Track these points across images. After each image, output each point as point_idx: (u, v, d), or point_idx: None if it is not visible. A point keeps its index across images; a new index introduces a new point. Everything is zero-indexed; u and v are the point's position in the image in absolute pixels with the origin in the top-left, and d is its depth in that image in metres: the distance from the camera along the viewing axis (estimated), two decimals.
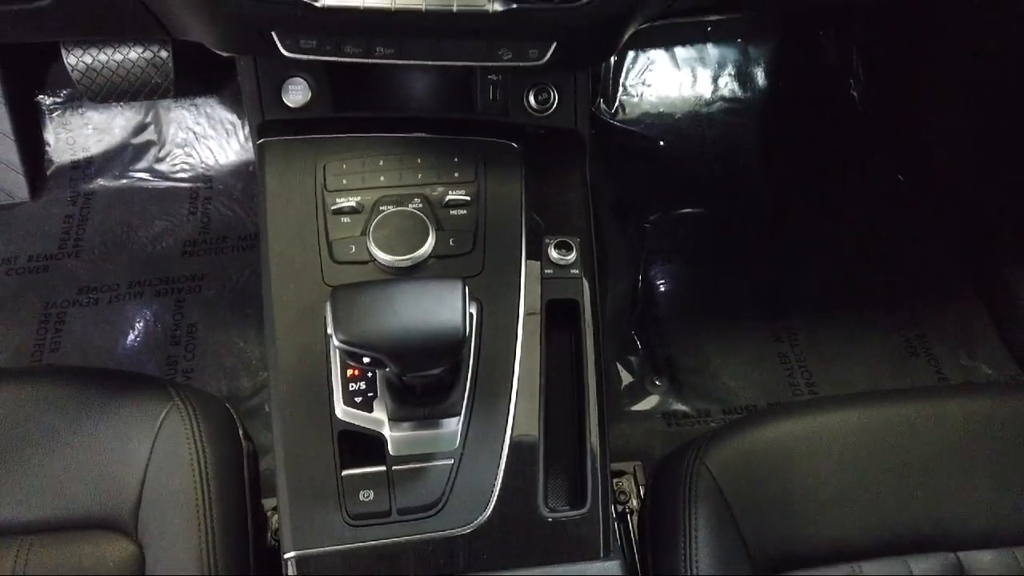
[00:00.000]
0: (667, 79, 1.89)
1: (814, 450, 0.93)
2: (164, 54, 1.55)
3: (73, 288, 1.60)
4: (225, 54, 1.05)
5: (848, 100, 1.88)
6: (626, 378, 1.54)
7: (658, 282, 1.66)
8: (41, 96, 1.77)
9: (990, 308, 1.61)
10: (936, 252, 1.70)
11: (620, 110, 1.88)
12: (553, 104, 1.08)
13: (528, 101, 1.08)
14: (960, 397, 0.98)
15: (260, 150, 1.03)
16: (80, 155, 1.75)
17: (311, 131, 1.04)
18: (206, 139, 1.76)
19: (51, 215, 1.69)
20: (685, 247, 1.70)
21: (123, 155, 1.75)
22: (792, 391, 1.52)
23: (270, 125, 1.06)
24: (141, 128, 1.76)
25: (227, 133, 1.76)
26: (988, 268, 1.63)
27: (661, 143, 1.86)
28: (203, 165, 1.76)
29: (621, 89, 1.87)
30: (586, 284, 0.97)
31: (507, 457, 0.85)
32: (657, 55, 1.89)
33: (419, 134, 1.05)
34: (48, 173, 1.74)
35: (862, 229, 1.73)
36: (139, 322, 1.56)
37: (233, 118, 1.76)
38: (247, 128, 1.75)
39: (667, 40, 1.88)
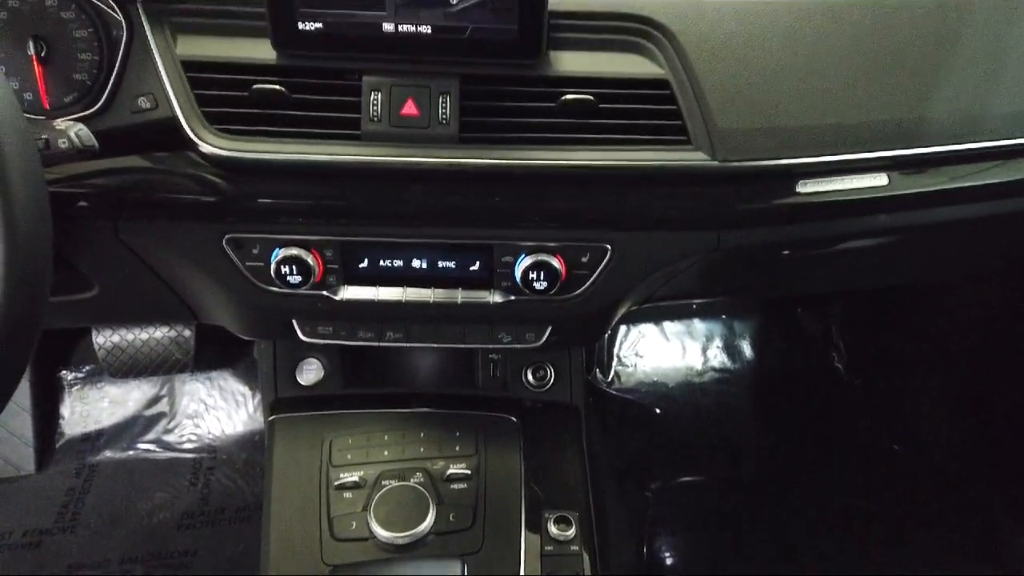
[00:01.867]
0: (659, 351, 2.01)
1: None
2: (187, 333, 1.66)
3: (62, 565, 1.55)
4: (244, 337, 1.14)
5: (833, 370, 1.98)
6: None
7: (663, 554, 1.62)
8: (64, 371, 1.86)
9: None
10: (938, 514, 1.69)
11: (616, 379, 1.96)
12: (550, 380, 1.16)
13: (526, 378, 1.16)
14: None
15: (271, 427, 1.08)
16: (92, 427, 1.80)
17: (321, 407, 1.10)
18: (216, 410, 1.82)
19: (53, 488, 1.70)
20: (687, 516, 1.68)
21: (133, 427, 1.80)
22: None
23: (282, 402, 1.12)
24: (155, 400, 1.83)
25: (237, 404, 1.83)
26: (990, 530, 1.61)
27: (657, 410, 1.92)
28: (210, 435, 1.80)
29: (616, 360, 1.98)
30: (586, 559, 0.96)
31: None
32: (648, 328, 2.02)
33: (423, 409, 1.11)
34: (57, 446, 1.77)
35: (860, 491, 1.73)
36: None
37: (245, 389, 1.84)
38: (257, 399, 1.82)
39: (656, 316, 2.02)
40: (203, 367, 1.82)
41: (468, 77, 0.86)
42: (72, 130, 0.77)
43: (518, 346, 1.03)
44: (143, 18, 0.86)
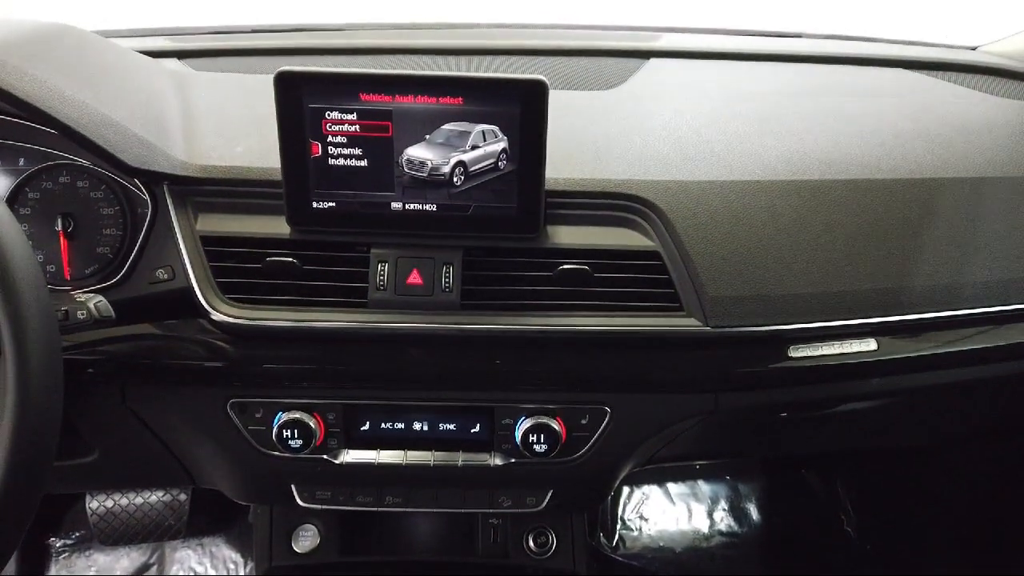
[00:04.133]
0: (663, 513, 1.95)
1: None
2: (183, 497, 1.63)
3: None
4: (242, 503, 1.13)
5: (843, 533, 1.91)
6: None
7: None
8: (52, 538, 1.80)
9: None
10: None
11: (621, 544, 1.90)
12: (552, 546, 1.13)
13: (528, 544, 1.13)
14: None
15: None
16: None
17: None
18: None
19: None
20: None
21: None
22: None
23: (277, 572, 1.09)
24: (144, 569, 1.76)
25: (227, 571, 1.76)
26: None
27: None
28: None
29: (620, 523, 1.92)
30: None
31: None
32: (651, 490, 1.98)
33: None
34: None
35: None
36: None
37: (237, 557, 1.77)
38: (250, 567, 1.75)
39: (659, 477, 1.98)
40: (195, 533, 1.77)
41: (470, 249, 0.91)
42: (91, 302, 0.81)
43: (519, 511, 1.02)
44: (168, 198, 0.92)
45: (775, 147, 1.00)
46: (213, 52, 1.21)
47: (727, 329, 0.90)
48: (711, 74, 1.21)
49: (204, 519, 1.74)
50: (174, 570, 1.76)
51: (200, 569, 1.77)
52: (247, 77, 1.11)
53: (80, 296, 0.82)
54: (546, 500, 1.02)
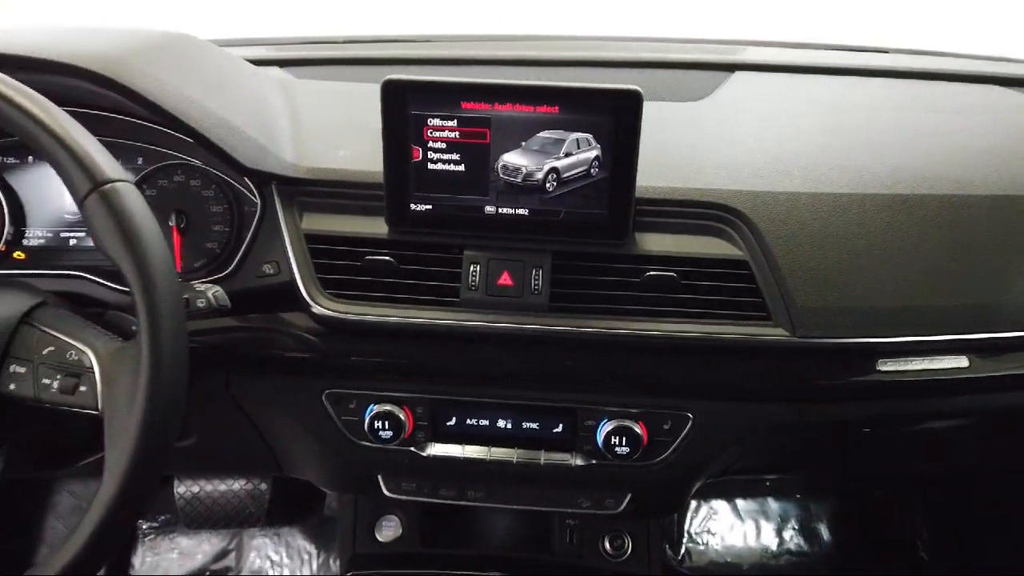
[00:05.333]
0: (731, 529, 1.94)
1: None
2: (263, 487, 1.70)
3: None
4: (330, 492, 1.18)
5: (917, 560, 1.86)
6: None
7: None
8: (139, 520, 1.90)
9: None
10: None
11: (687, 557, 1.89)
12: (627, 551, 1.14)
13: (603, 546, 1.15)
14: None
15: None
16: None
17: (398, 565, 1.11)
18: (280, 567, 1.82)
19: None
20: None
21: None
22: None
23: (359, 558, 1.13)
24: (223, 555, 1.84)
25: (302, 562, 1.82)
26: None
27: None
28: None
29: (687, 536, 1.91)
30: None
31: None
32: (720, 505, 1.96)
33: (496, 573, 1.11)
34: None
35: None
36: None
37: (311, 548, 1.84)
38: (322, 558, 1.81)
39: (729, 493, 1.97)
40: (272, 522, 1.84)
41: (559, 253, 0.94)
42: (210, 292, 0.87)
43: (597, 512, 1.04)
44: (276, 198, 0.98)
45: (866, 161, 1.00)
46: (313, 61, 1.28)
47: (815, 340, 0.90)
48: (797, 87, 1.22)
49: (282, 510, 1.81)
50: (251, 557, 1.83)
51: (275, 557, 1.84)
52: (348, 85, 1.16)
53: (199, 286, 0.87)
54: (624, 503, 1.03)
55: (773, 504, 1.97)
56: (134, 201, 0.71)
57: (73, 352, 0.73)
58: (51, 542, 1.76)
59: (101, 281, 0.98)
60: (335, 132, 1.05)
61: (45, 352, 0.74)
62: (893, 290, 0.92)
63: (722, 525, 1.94)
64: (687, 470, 1.02)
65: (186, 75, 0.96)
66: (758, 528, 1.94)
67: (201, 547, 1.85)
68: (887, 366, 0.93)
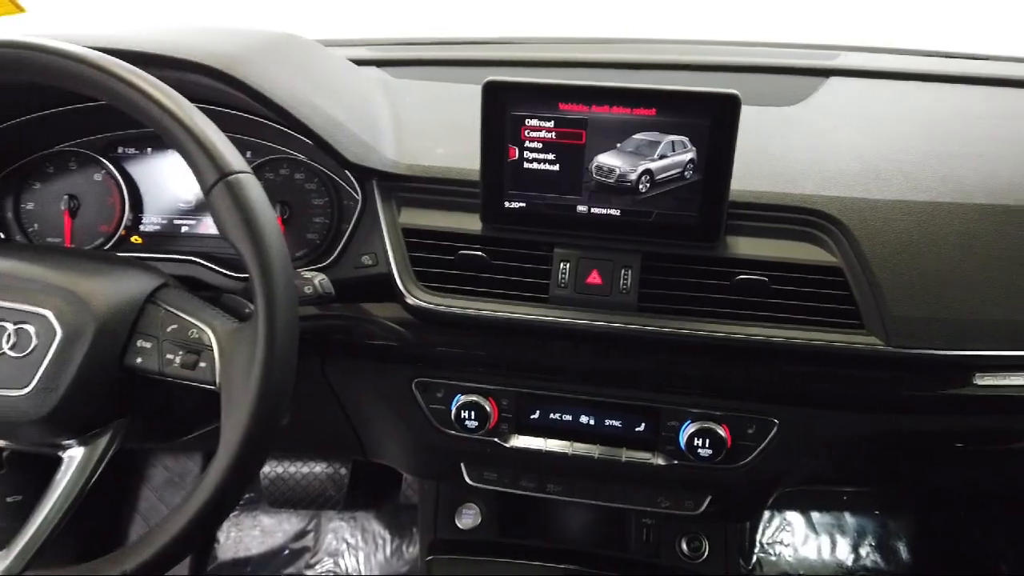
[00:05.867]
0: (805, 542, 1.90)
1: None
2: (343, 471, 1.76)
3: None
4: (412, 477, 1.22)
5: None
6: None
7: None
8: None
9: None
10: None
11: (758, 567, 1.86)
12: (704, 553, 1.14)
13: (680, 547, 1.15)
14: None
15: (429, 565, 1.13)
16: (242, 554, 1.89)
17: (477, 552, 1.14)
18: (356, 550, 1.88)
19: None
20: None
21: (278, 558, 1.88)
22: None
23: (439, 543, 1.17)
24: (302, 534, 1.92)
25: (376, 546, 1.88)
26: None
27: None
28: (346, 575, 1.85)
29: (758, 546, 1.89)
30: None
31: None
32: (793, 517, 1.93)
33: (572, 566, 1.12)
34: (209, 568, 1.87)
35: None
36: None
37: (386, 533, 1.89)
38: (395, 544, 1.87)
39: (804, 504, 1.94)
40: (350, 506, 1.90)
41: (649, 254, 0.95)
42: (316, 279, 0.91)
43: (676, 512, 1.04)
44: (376, 193, 1.02)
45: (966, 170, 0.98)
46: (411, 62, 1.32)
47: (909, 350, 0.89)
48: (894, 94, 1.19)
49: (359, 495, 1.87)
50: (328, 538, 1.90)
51: (351, 540, 1.90)
52: (445, 86, 1.20)
53: (306, 273, 0.92)
54: (704, 505, 1.04)
55: (849, 518, 1.93)
56: (256, 191, 0.76)
57: (194, 331, 0.79)
58: (144, 511, 1.87)
59: (211, 267, 1.04)
60: (433, 130, 1.09)
61: (169, 330, 0.79)
62: (993, 302, 0.90)
63: (796, 537, 1.91)
64: (769, 476, 1.01)
65: (297, 74, 1.02)
66: (833, 542, 1.90)
67: (281, 526, 1.93)
68: (984, 380, 0.91)
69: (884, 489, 1.87)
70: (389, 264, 0.99)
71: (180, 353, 0.78)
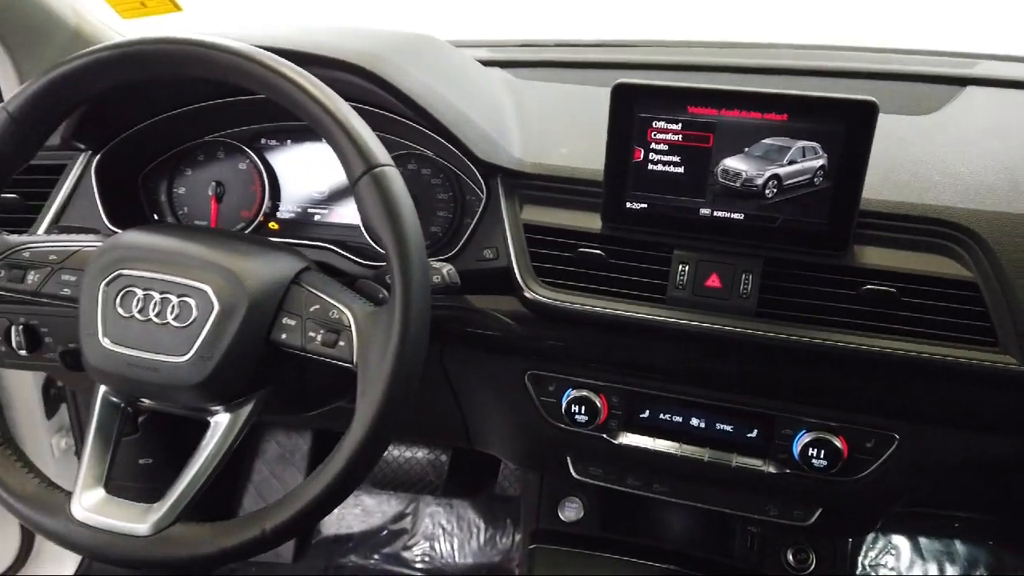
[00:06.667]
0: (910, 567, 1.83)
1: None
2: (443, 458, 1.82)
3: None
4: (516, 467, 1.25)
5: None
6: None
7: None
8: None
9: None
10: None
11: None
12: (811, 566, 1.13)
13: (786, 558, 1.14)
14: None
15: (531, 554, 1.15)
16: (344, 531, 1.98)
17: (579, 545, 1.16)
18: (451, 536, 1.93)
19: None
20: None
21: (377, 537, 1.96)
22: None
23: (542, 533, 1.19)
24: (400, 516, 1.99)
25: (471, 535, 1.93)
26: None
27: None
28: (442, 560, 1.90)
29: (860, 568, 1.83)
30: None
31: None
32: (900, 541, 1.86)
33: (674, 567, 1.13)
34: (313, 541, 1.97)
35: None
36: None
37: (480, 522, 1.94)
38: (489, 533, 1.91)
39: (912, 528, 1.86)
40: (447, 493, 1.96)
41: (772, 260, 0.95)
42: (444, 269, 0.95)
43: (784, 522, 1.03)
44: (500, 189, 1.05)
45: None
46: (533, 63, 1.35)
47: None
48: None
49: (457, 482, 1.92)
50: (425, 522, 1.97)
51: (447, 526, 1.96)
52: (568, 87, 1.23)
53: (435, 264, 0.97)
54: (814, 517, 1.02)
55: (961, 547, 1.84)
56: (399, 184, 0.80)
57: (334, 311, 0.84)
58: (256, 483, 1.98)
59: (344, 254, 1.10)
60: (556, 130, 1.11)
61: (312, 309, 0.85)
62: None
63: (901, 562, 1.84)
64: (885, 493, 0.99)
65: (433, 72, 1.06)
66: (941, 571, 1.82)
67: (381, 507, 2.00)
68: None
69: (1002, 518, 1.77)
70: (510, 258, 1.02)
71: (321, 332, 0.83)
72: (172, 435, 1.58)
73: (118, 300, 0.84)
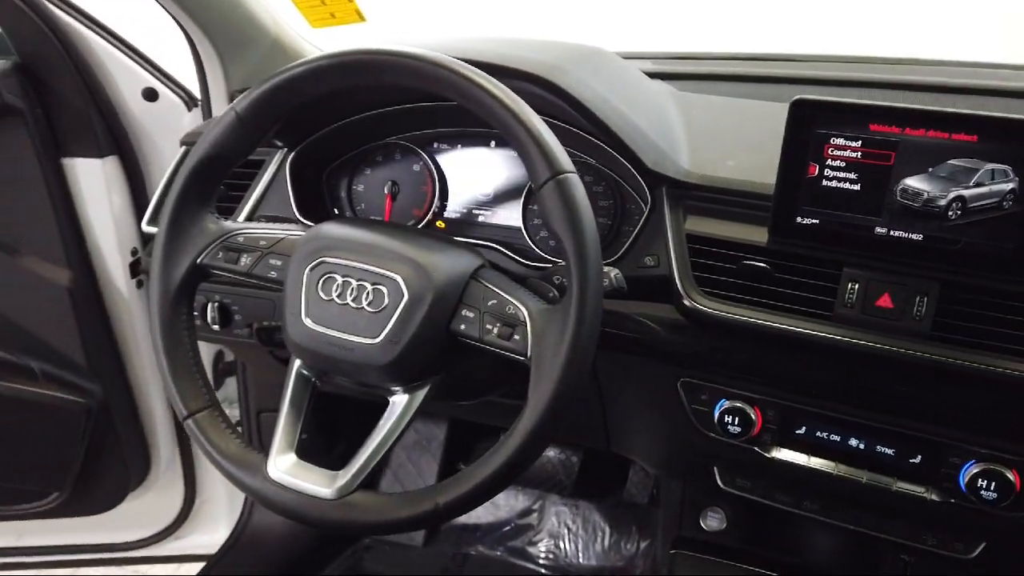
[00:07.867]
0: None
1: None
2: (575, 459, 1.86)
3: None
4: (655, 472, 1.26)
5: None
6: None
7: None
8: (461, 465, 2.16)
9: None
10: None
11: None
12: None
13: None
14: None
15: (672, 559, 1.17)
16: (472, 520, 2.05)
17: (720, 555, 1.16)
18: (576, 536, 1.97)
19: (432, 566, 1.96)
20: None
21: (504, 528, 2.02)
22: None
23: (684, 540, 1.21)
24: (527, 512, 2.04)
25: (594, 537, 1.95)
26: None
27: None
28: (565, 559, 1.94)
29: None
30: None
31: None
32: None
33: None
34: (443, 529, 2.05)
35: None
36: None
37: (605, 526, 1.96)
38: (612, 538, 1.93)
39: None
40: (575, 495, 1.99)
41: (949, 283, 0.93)
42: (612, 273, 0.99)
43: (943, 552, 1.00)
44: (665, 199, 1.08)
45: None
46: (697, 76, 1.37)
47: None
48: None
49: (585, 485, 1.95)
50: (551, 520, 2.01)
51: (572, 527, 1.99)
52: (734, 100, 1.24)
53: (603, 267, 1.00)
54: (977, 550, 0.99)
55: None
56: (581, 191, 0.84)
57: (511, 307, 0.89)
58: (394, 467, 2.09)
59: (510, 254, 1.15)
60: (723, 143, 1.13)
61: (489, 304, 0.90)
62: None
63: None
64: None
65: (606, 84, 1.10)
66: None
67: (509, 502, 2.06)
68: None
69: None
70: (671, 266, 1.04)
71: (498, 325, 0.88)
72: (326, 415, 1.70)
73: (320, 284, 0.93)
